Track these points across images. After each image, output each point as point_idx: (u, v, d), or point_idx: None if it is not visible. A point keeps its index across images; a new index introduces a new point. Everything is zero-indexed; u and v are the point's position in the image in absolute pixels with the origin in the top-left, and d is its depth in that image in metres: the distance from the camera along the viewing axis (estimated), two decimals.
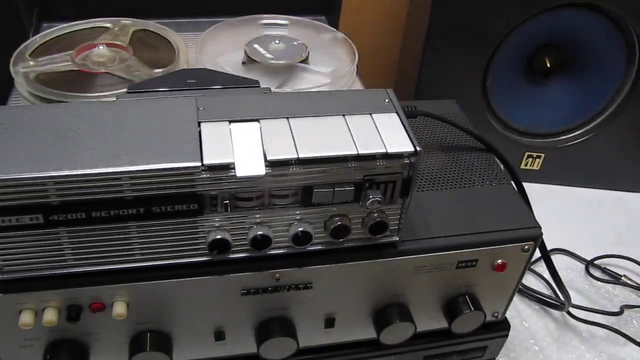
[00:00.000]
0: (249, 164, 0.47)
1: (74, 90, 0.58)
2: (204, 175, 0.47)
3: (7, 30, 0.68)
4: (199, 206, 0.48)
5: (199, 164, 0.46)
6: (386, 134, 0.50)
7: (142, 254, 0.51)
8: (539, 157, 1.07)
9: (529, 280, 0.90)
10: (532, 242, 0.60)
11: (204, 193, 0.48)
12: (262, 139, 0.48)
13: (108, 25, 0.70)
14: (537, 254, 0.65)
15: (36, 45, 0.65)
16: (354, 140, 0.49)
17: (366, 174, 0.50)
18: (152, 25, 0.70)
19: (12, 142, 0.46)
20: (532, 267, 0.91)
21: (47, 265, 0.50)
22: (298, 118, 0.50)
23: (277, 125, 0.49)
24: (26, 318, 0.52)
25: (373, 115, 0.52)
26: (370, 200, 0.50)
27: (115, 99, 0.52)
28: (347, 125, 0.50)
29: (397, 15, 1.15)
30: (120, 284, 0.53)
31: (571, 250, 0.95)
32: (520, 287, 0.86)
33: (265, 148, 0.47)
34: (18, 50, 0.63)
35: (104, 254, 0.50)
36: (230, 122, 0.49)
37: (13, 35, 0.66)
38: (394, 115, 0.52)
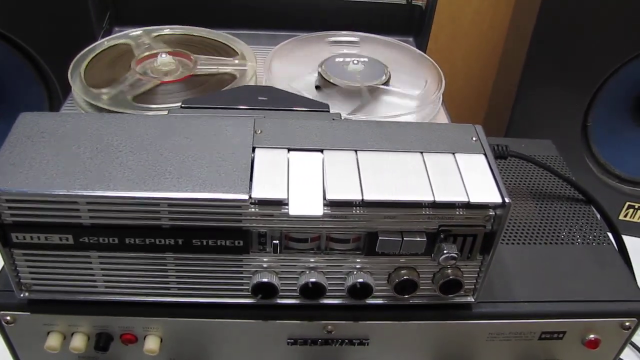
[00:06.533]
0: (305, 203, 0.40)
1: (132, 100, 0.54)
2: (252, 210, 0.40)
3: (76, 33, 0.66)
4: (244, 243, 0.42)
5: (247, 197, 0.39)
6: (470, 179, 0.42)
7: (180, 289, 0.45)
8: None
9: (631, 358, 0.78)
10: (634, 319, 0.50)
11: (251, 229, 0.42)
12: (323, 173, 0.42)
13: (173, 32, 0.66)
14: None
15: (97, 52, 0.62)
16: (430, 183, 0.42)
17: (442, 224, 0.42)
18: (222, 35, 0.65)
19: (48, 153, 0.41)
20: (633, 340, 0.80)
21: (76, 290, 0.45)
22: (368, 152, 0.43)
23: (342, 158, 0.43)
24: (53, 341, 0.48)
25: (456, 155, 0.44)
26: (444, 256, 0.43)
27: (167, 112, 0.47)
28: (425, 164, 0.43)
29: (495, 43, 1.06)
30: (154, 317, 0.48)
31: None
32: None
33: (326, 185, 0.41)
34: (78, 56, 0.60)
35: (137, 284, 0.45)
36: (289, 150, 0.43)
37: (81, 38, 0.63)
38: (482, 157, 0.44)
